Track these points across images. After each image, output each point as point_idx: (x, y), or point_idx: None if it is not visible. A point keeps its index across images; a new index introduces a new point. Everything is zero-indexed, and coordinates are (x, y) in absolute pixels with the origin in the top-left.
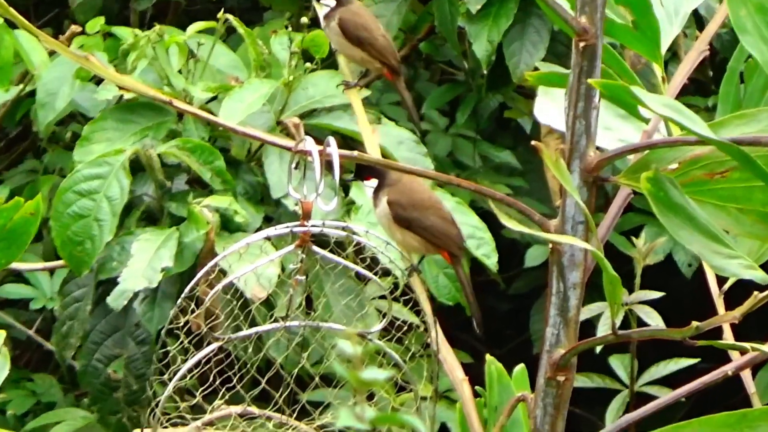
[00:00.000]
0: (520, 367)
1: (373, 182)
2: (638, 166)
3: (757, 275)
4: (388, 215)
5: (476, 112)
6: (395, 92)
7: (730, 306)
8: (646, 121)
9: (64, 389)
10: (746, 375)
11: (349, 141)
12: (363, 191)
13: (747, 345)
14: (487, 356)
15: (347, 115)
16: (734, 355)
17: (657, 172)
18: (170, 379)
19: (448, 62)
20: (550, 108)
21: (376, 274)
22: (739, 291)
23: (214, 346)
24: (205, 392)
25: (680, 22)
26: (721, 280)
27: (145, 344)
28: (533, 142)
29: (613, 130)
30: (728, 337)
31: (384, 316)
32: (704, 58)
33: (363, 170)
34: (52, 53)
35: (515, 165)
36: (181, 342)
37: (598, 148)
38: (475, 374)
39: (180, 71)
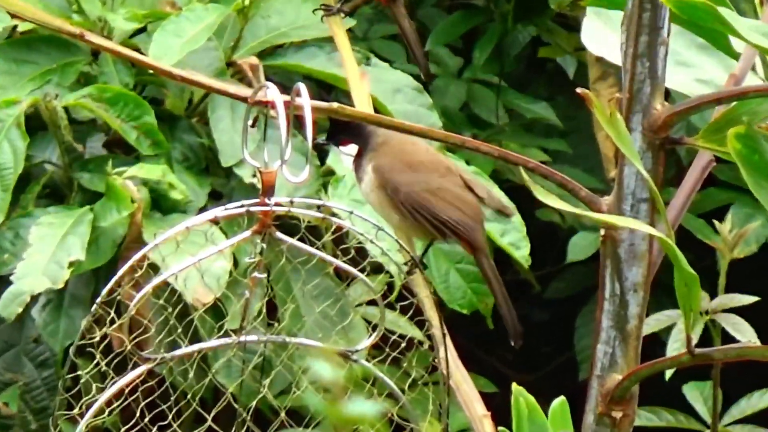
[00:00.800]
0: (559, 400)
1: (352, 148)
2: (723, 122)
3: None
4: (377, 188)
5: (500, 50)
6: (390, 22)
7: None
8: (735, 56)
9: None
10: None
11: (326, 89)
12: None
13: None
14: (514, 386)
15: (324, 53)
16: None
17: (750, 127)
18: (81, 415)
19: None
20: (605, 34)
21: (363, 270)
22: None
23: (142, 369)
24: None
25: None
26: None
27: (48, 367)
28: (579, 90)
29: (689, 66)
30: None
31: (375, 328)
32: None
33: (338, 130)
34: None
35: (553, 121)
36: (97, 364)
37: (667, 98)
38: (501, 407)
39: None
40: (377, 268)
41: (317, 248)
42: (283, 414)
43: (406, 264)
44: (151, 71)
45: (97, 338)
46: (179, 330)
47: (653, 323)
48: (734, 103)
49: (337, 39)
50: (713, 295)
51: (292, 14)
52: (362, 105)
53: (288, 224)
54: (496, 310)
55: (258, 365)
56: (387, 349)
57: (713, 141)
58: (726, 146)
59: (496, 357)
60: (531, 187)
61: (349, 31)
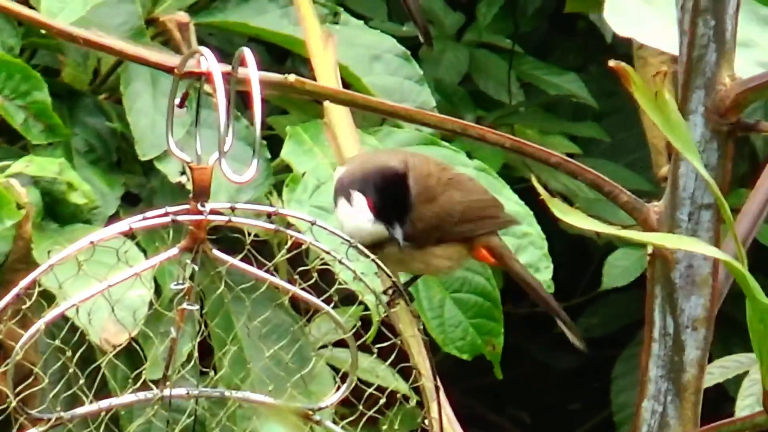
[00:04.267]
0: None
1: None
2: None
3: None
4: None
5: (513, 4)
6: None
7: None
8: None
9: None
10: None
11: (280, 56)
12: (304, 146)
13: None
14: None
15: (276, 7)
16: None
17: None
18: None
19: None
20: (635, 4)
21: (329, 301)
22: None
23: None
24: None
25: None
26: None
27: None
28: (611, 63)
29: (751, 47)
30: None
31: (344, 378)
32: None
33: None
34: None
35: (585, 100)
36: None
37: None
38: None
39: None
40: (348, 298)
41: (267, 271)
42: None
43: (386, 292)
44: (43, 31)
45: None
46: (81, 381)
47: (718, 372)
48: None
49: None
50: None
51: None
52: (327, 77)
53: (228, 238)
54: (506, 355)
55: (188, 428)
56: (361, 407)
57: None
58: None
59: (507, 417)
60: (546, 200)
61: None
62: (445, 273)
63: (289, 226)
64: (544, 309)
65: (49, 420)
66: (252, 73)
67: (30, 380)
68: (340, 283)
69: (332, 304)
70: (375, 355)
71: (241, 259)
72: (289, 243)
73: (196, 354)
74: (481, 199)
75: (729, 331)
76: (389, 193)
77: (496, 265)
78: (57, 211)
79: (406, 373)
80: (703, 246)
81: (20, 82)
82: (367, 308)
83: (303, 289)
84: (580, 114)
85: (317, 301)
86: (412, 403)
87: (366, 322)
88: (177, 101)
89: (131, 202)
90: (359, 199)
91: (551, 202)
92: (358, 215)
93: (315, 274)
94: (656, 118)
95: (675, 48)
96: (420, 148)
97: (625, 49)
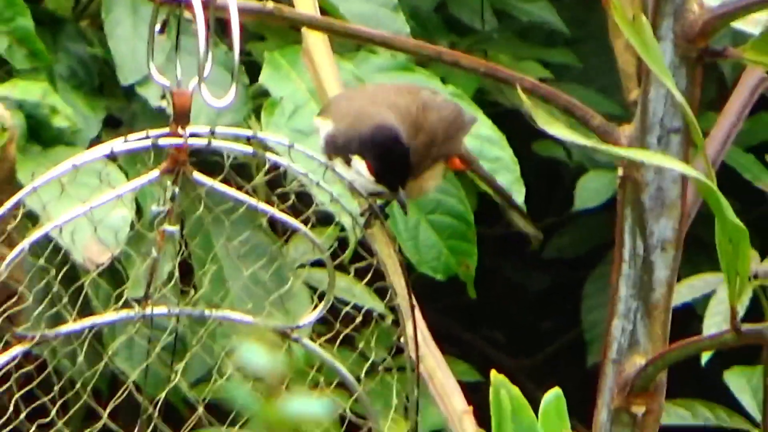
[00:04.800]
0: (553, 393)
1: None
2: None
3: None
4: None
5: None
6: None
7: None
8: None
9: None
10: None
11: None
12: (282, 71)
13: None
14: (493, 374)
15: None
16: None
17: None
18: None
19: None
20: None
21: (306, 222)
22: None
23: (18, 351)
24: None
25: None
26: None
27: None
28: None
29: None
30: None
31: (321, 297)
32: None
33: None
34: None
35: (557, 27)
36: None
37: None
38: (486, 401)
39: None
40: (325, 219)
41: (246, 193)
42: (201, 409)
43: (363, 214)
44: None
45: None
46: (65, 300)
47: (686, 291)
48: None
49: None
50: (765, 254)
51: None
52: (305, 4)
53: (208, 161)
54: (479, 275)
55: (169, 345)
56: (338, 325)
57: (766, 53)
58: None
59: (482, 336)
60: (530, 109)
61: None
62: (432, 191)
63: (267, 149)
64: (500, 201)
65: (34, 338)
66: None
67: (15, 299)
68: (317, 205)
69: (310, 225)
70: (351, 275)
71: (221, 181)
72: (267, 166)
73: (176, 273)
74: (451, 112)
75: (697, 252)
76: (389, 158)
77: (467, 170)
78: (41, 134)
79: (381, 293)
80: (675, 162)
81: (4, 8)
82: (343, 229)
83: (281, 210)
84: (552, 40)
85: (295, 222)
86: (388, 321)
87: (343, 242)
88: (157, 28)
89: (113, 125)
90: (358, 162)
91: (536, 111)
92: (359, 178)
93: (293, 196)
94: (633, 39)
95: None
96: (395, 74)
97: None
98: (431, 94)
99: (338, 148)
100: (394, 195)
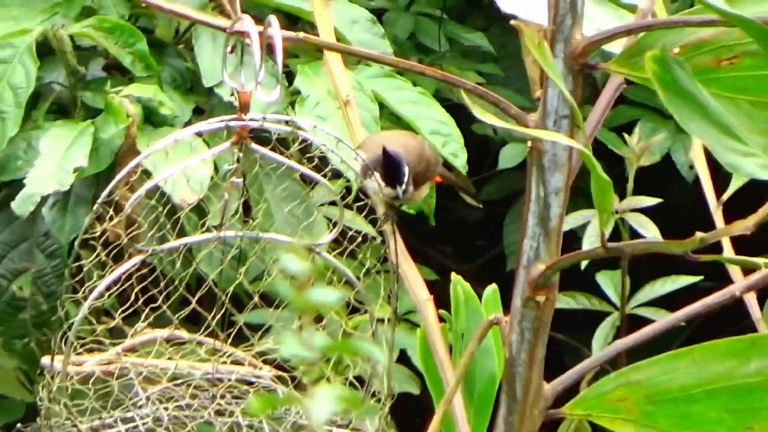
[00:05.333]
0: (492, 288)
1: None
2: (633, 51)
3: None
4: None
5: None
6: None
7: (729, 219)
8: (628, 8)
9: None
10: (751, 298)
11: (294, 21)
12: (310, 78)
13: (760, 261)
14: (453, 275)
15: None
16: (735, 276)
17: (665, 51)
18: (85, 298)
19: None
20: None
21: (325, 176)
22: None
23: (137, 259)
24: (126, 313)
25: None
26: (718, 188)
27: (56, 257)
28: (512, 22)
29: (592, 18)
30: (729, 254)
31: (335, 225)
32: None
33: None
34: None
35: (487, 49)
36: (98, 255)
37: None
38: (442, 293)
39: None
40: (337, 174)
41: (286, 157)
42: (256, 297)
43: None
44: (143, 5)
45: (98, 233)
46: (168, 226)
47: (572, 221)
48: (641, 35)
49: None
50: (623, 197)
51: None
52: (326, 35)
53: (261, 137)
54: (437, 211)
55: (235, 256)
56: (345, 243)
57: (625, 66)
58: (635, 70)
59: (438, 250)
60: (469, 105)
61: None
62: (424, 196)
63: (299, 128)
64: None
65: (147, 251)
66: (276, 32)
67: (135, 226)
68: (331, 165)
69: (327, 178)
70: (354, 211)
71: (270, 150)
72: (299, 139)
73: (240, 209)
74: (435, 153)
75: (579, 195)
76: (392, 171)
77: (440, 181)
78: (152, 119)
79: (373, 222)
80: (564, 138)
81: (129, 37)
82: (349, 180)
83: (308, 168)
84: (484, 58)
85: (317, 176)
86: (378, 241)
87: (348, 189)
88: (228, 50)
89: (199, 113)
90: (377, 175)
91: (474, 105)
92: (378, 185)
93: (316, 159)
94: (538, 57)
95: (544, 19)
96: (382, 80)
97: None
98: (423, 140)
99: (368, 168)
100: (395, 191)
